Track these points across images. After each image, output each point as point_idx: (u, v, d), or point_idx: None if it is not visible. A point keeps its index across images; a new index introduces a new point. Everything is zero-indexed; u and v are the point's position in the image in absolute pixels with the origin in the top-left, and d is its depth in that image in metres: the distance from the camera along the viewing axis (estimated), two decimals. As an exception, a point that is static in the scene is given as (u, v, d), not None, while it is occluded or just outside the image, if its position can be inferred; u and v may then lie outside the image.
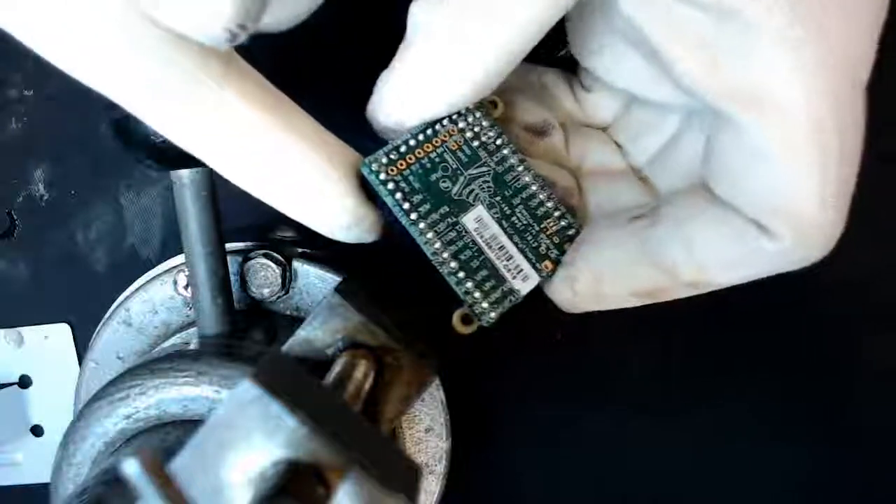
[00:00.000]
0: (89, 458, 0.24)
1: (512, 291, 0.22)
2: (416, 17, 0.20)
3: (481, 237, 0.22)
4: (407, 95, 0.21)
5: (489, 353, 0.33)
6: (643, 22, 0.20)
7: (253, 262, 0.28)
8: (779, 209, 0.19)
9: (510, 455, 0.34)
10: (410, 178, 0.22)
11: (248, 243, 0.29)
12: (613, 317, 0.23)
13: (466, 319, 0.22)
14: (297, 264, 0.28)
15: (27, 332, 0.34)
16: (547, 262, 0.23)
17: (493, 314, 0.21)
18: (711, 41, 0.19)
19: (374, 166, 0.21)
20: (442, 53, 0.20)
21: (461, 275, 0.21)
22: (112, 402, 0.23)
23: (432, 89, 0.21)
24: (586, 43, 0.24)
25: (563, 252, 0.23)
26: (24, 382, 0.35)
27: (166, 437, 0.23)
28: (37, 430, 0.35)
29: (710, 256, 0.20)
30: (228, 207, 0.26)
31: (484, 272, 0.22)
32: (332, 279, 0.28)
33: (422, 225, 0.21)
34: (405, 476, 0.17)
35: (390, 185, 0.21)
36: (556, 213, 0.23)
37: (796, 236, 0.19)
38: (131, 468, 0.13)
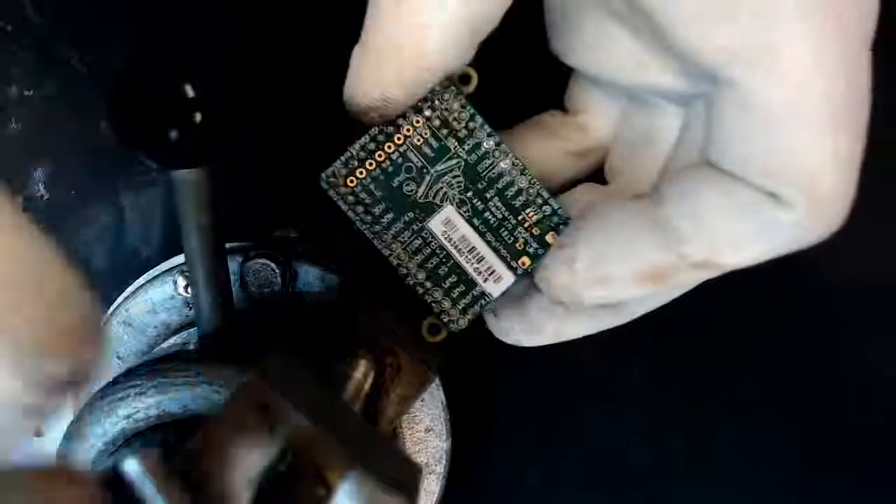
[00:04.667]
0: (89, 458, 0.24)
1: (483, 295, 0.21)
2: None
3: (449, 241, 0.21)
4: (385, 65, 0.19)
5: (489, 353, 0.32)
6: None
7: (253, 262, 0.28)
8: (790, 175, 0.18)
9: (510, 455, 0.34)
10: (371, 186, 0.21)
11: (248, 243, 0.29)
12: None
13: (434, 329, 0.21)
14: (297, 264, 0.28)
15: (27, 332, 0.34)
16: (524, 259, 0.21)
17: (462, 321, 0.21)
18: (711, 3, 0.18)
19: (332, 179, 0.20)
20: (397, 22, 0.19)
21: (428, 284, 0.21)
22: (112, 402, 0.23)
23: (409, 55, 0.19)
24: (572, 37, 0.22)
25: (543, 245, 0.21)
26: (24, 382, 0.34)
27: (166, 437, 0.23)
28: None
29: (721, 231, 0.19)
30: (228, 207, 0.26)
31: (453, 278, 0.21)
32: (332, 279, 0.28)
33: (385, 237, 0.20)
34: (405, 476, 0.17)
35: (350, 199, 0.20)
36: (539, 200, 0.21)
37: (810, 203, 0.18)
38: (131, 468, 0.13)
